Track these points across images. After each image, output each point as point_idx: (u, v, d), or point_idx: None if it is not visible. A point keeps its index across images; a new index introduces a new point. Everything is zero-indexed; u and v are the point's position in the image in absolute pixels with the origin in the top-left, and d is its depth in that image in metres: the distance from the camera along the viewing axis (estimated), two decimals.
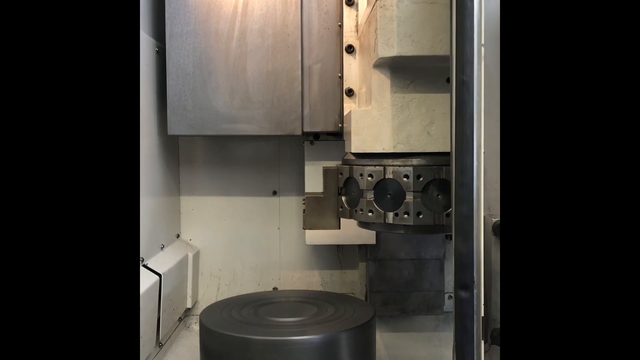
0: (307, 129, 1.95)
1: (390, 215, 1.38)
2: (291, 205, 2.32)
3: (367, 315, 1.72)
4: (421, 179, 1.34)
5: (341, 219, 1.60)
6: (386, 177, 1.38)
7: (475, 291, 1.05)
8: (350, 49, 1.78)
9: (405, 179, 1.35)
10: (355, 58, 1.78)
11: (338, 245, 2.33)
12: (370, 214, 1.41)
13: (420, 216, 1.35)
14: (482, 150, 1.04)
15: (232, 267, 2.36)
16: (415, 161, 1.36)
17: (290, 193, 2.32)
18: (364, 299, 2.22)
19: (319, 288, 2.34)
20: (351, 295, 2.26)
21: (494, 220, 1.17)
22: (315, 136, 2.09)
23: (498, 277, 1.12)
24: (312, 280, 2.35)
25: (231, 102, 1.93)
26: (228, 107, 1.93)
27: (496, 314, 1.16)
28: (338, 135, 2.02)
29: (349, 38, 1.79)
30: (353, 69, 1.78)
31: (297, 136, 2.03)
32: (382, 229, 1.44)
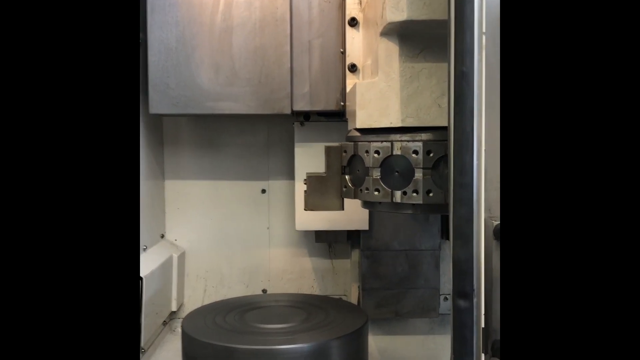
0: (307, 107, 1.87)
1: (398, 194, 1.30)
2: (280, 201, 2.25)
3: (359, 321, 1.65)
4: (431, 154, 1.27)
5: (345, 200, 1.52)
6: (394, 153, 1.30)
7: (475, 300, 1.00)
8: (353, 22, 1.69)
9: (414, 155, 1.28)
10: (358, 31, 1.70)
11: (330, 245, 2.27)
12: (376, 192, 1.33)
13: (431, 194, 1.27)
14: (483, 147, 0.98)
15: (219, 268, 2.29)
16: (425, 136, 1.28)
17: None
18: (357, 290, 2.15)
19: (310, 289, 2.28)
20: (343, 297, 2.20)
21: (495, 223, 1.11)
22: (306, 117, 2.01)
23: (499, 285, 1.07)
24: (302, 281, 2.28)
25: (216, 79, 1.84)
26: (213, 84, 1.84)
27: (497, 324, 1.10)
28: (331, 115, 1.93)
29: (352, 10, 1.70)
30: (356, 44, 1.70)
31: (286, 116, 1.94)
32: (388, 209, 1.37)
